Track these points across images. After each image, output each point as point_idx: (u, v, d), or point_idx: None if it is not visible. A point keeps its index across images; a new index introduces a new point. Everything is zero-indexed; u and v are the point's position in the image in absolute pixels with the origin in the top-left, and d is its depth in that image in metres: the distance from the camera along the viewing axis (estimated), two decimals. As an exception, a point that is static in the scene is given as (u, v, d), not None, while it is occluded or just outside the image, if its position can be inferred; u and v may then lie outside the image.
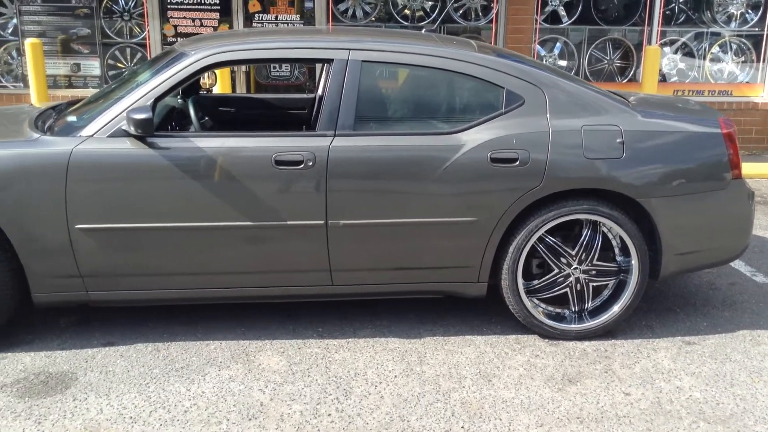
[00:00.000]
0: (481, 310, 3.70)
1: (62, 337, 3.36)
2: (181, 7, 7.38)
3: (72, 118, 3.36)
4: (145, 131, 2.99)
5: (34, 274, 3.13)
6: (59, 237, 3.08)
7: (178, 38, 7.44)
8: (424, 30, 3.96)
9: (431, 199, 3.20)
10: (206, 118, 4.11)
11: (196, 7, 7.38)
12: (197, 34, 7.39)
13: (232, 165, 3.10)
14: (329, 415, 2.77)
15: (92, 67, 7.57)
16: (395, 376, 3.06)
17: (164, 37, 7.45)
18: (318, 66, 7.53)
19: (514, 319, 3.52)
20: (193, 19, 7.43)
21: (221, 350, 3.26)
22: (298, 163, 3.13)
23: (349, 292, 3.38)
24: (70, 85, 7.58)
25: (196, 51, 3.22)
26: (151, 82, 3.17)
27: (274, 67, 7.65)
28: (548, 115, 3.27)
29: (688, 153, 3.35)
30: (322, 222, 3.18)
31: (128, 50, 7.55)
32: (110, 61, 7.57)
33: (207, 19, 7.43)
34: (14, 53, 7.54)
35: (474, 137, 3.21)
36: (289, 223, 3.17)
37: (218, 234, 3.16)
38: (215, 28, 7.45)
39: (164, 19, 7.41)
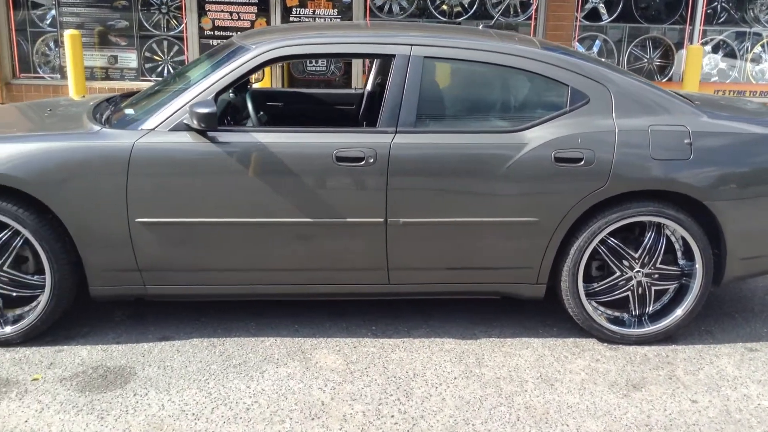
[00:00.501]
0: (535, 312, 3.64)
1: (117, 331, 3.34)
2: (219, 0, 7.36)
3: (130, 111, 3.34)
4: (208, 125, 2.95)
5: (92, 267, 3.11)
6: (119, 230, 3.06)
7: (216, 32, 7.43)
8: (481, 26, 3.90)
9: (493, 199, 3.14)
10: (261, 113, 4.08)
11: (234, 0, 7.36)
12: (235, 27, 7.39)
13: (293, 160, 3.06)
14: (392, 416, 2.73)
15: (129, 59, 7.58)
16: (455, 378, 3.01)
17: (201, 30, 7.45)
18: (355, 62, 7.49)
19: (569, 322, 3.46)
20: (231, 13, 7.41)
21: (277, 347, 3.23)
22: (359, 159, 3.08)
23: (406, 291, 3.33)
24: (107, 77, 7.60)
25: (258, 45, 3.18)
26: (213, 75, 3.13)
27: (310, 62, 7.63)
28: (614, 114, 3.20)
29: (756, 155, 3.26)
30: (381, 220, 3.13)
31: (165, 43, 7.55)
32: (147, 54, 7.58)
33: (244, 13, 7.42)
34: (52, 44, 7.58)
35: (538, 135, 3.15)
36: (348, 220, 3.13)
37: (277, 230, 3.12)
38: (252, 23, 7.44)
39: (202, 12, 7.41)
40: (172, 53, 7.56)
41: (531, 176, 3.13)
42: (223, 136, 3.06)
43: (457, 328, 3.48)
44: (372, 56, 3.30)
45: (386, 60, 3.59)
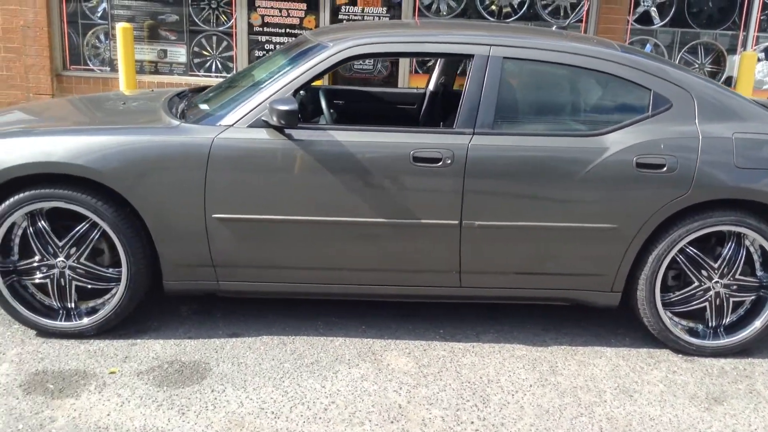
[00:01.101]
0: (604, 320, 3.58)
1: (186, 326, 3.34)
2: (269, -4, 7.37)
3: (205, 107, 3.34)
4: (288, 123, 2.94)
5: (167, 261, 3.12)
6: (195, 225, 3.06)
7: (264, 28, 7.44)
8: (554, 27, 3.84)
9: (570, 204, 3.09)
10: (331, 111, 4.06)
11: (284, -3, 7.36)
12: (284, 24, 7.39)
13: (370, 160, 3.04)
14: (472, 422, 2.70)
15: (178, 54, 7.61)
16: (530, 386, 2.97)
17: (251, 26, 7.46)
18: (402, 61, 7.46)
19: (641, 331, 3.40)
20: (280, 10, 7.41)
21: (347, 347, 3.21)
22: (436, 160, 3.05)
23: (477, 294, 3.29)
24: (156, 71, 7.64)
25: (336, 42, 3.15)
26: (291, 72, 3.11)
27: (358, 61, 7.59)
28: (697, 121, 3.13)
29: (842, 166, 3.17)
30: (456, 222, 3.10)
31: (214, 38, 7.57)
32: (196, 49, 7.61)
33: (294, 9, 7.41)
34: (102, 37, 7.63)
35: (619, 140, 3.09)
36: (422, 221, 3.10)
37: (350, 229, 3.10)
38: (301, 20, 7.43)
39: (252, 8, 7.42)
40: (220, 49, 7.58)
41: (611, 182, 3.07)
42: (300, 134, 3.05)
43: (527, 334, 3.43)
44: (450, 56, 3.26)
45: (458, 60, 3.55)
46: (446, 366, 3.10)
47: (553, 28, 3.82)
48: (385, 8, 7.42)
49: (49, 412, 2.63)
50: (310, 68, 3.11)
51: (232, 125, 3.06)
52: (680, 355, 3.27)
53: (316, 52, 3.17)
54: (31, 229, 3.05)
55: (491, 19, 7.60)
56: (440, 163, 3.05)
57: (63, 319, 3.16)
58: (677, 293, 3.24)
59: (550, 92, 3.44)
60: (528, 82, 3.39)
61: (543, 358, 3.21)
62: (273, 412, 2.69)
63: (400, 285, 3.25)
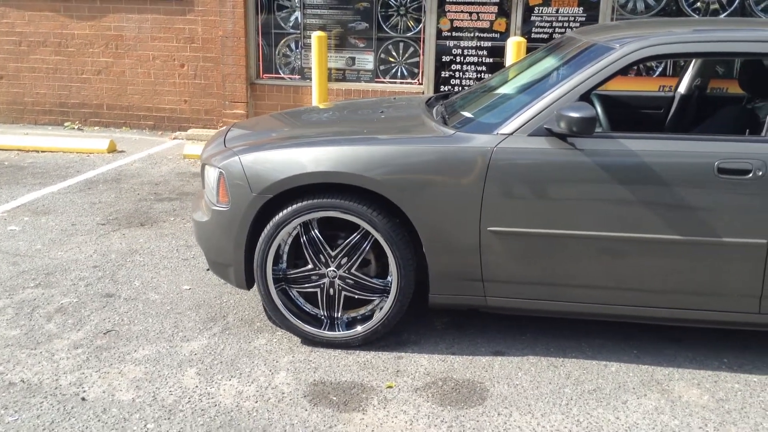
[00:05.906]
0: None
1: (446, 341, 3.22)
2: (459, 0, 7.24)
3: (468, 114, 3.20)
4: (584, 131, 2.72)
5: (436, 274, 3.00)
6: (469, 238, 2.92)
7: (453, 32, 7.32)
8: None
9: None
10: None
11: (475, 0, 7.21)
12: (473, 28, 7.24)
13: (666, 171, 2.77)
14: (807, 472, 2.36)
15: (366, 61, 7.66)
16: None
17: (439, 31, 7.37)
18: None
19: None
20: (470, 13, 7.27)
21: (625, 374, 2.95)
22: (745, 172, 2.73)
23: (775, 323, 2.93)
24: (343, 79, 7.73)
25: (625, 43, 2.90)
26: (576, 77, 2.90)
27: (548, 63, 7.29)
28: None
29: None
30: (764, 241, 2.76)
31: (401, 45, 7.56)
32: (382, 56, 7.63)
33: (484, 13, 7.24)
34: (293, 46, 7.83)
35: None
36: (724, 240, 2.78)
37: (639, 247, 2.84)
38: (491, 23, 7.25)
39: (441, 13, 7.33)
40: (406, 55, 7.55)
41: None
42: (584, 142, 2.83)
43: (828, 369, 3.01)
44: (764, 56, 2.87)
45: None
46: (747, 401, 2.76)
47: None
48: (581, 8, 7.07)
49: (341, 426, 2.57)
50: (598, 72, 2.88)
51: (511, 134, 2.89)
52: None
53: (601, 53, 2.94)
54: (304, 237, 3.04)
55: (695, 17, 7.04)
56: (750, 175, 2.72)
57: (327, 328, 3.13)
58: None
59: None
60: None
61: None
62: (574, 444, 2.49)
63: (685, 308, 2.94)
